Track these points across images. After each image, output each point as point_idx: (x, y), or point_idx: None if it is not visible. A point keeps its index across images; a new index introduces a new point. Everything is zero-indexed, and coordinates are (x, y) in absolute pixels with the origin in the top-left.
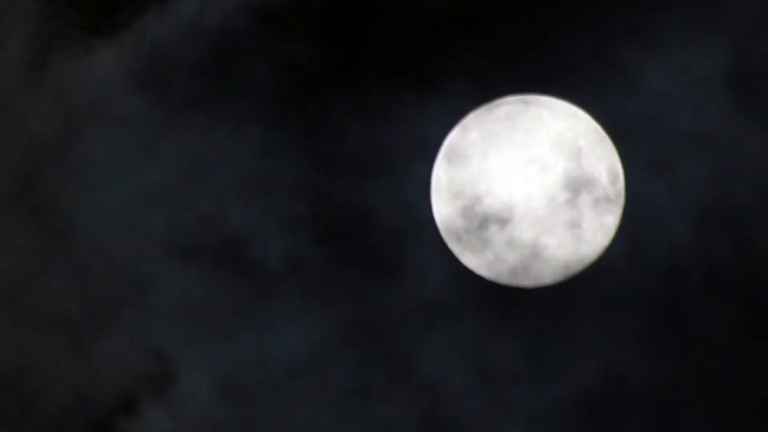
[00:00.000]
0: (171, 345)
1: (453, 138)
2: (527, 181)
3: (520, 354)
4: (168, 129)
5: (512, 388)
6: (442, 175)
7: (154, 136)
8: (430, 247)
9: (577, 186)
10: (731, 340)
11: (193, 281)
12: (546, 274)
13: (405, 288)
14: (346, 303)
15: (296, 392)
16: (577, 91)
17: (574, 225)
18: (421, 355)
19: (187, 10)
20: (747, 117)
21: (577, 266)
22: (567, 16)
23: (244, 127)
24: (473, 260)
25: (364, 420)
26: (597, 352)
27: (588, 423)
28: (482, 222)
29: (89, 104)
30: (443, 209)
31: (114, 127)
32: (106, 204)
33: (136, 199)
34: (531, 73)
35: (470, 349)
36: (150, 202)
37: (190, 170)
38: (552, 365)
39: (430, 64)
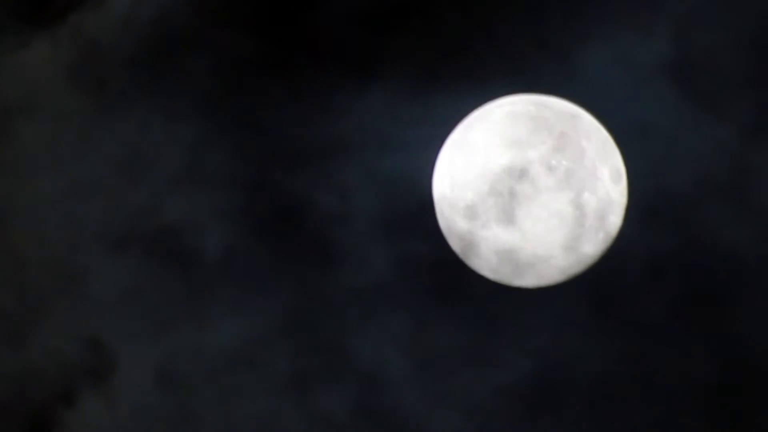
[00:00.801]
0: (108, 336)
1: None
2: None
3: (459, 343)
4: (103, 121)
5: (451, 377)
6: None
7: (89, 128)
8: (368, 234)
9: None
10: (670, 329)
11: (129, 272)
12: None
13: (343, 276)
14: (283, 292)
15: (234, 381)
16: (519, 77)
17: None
18: (359, 344)
19: (123, 3)
20: (689, 104)
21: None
22: (506, 3)
23: (180, 118)
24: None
25: (302, 408)
26: (537, 340)
27: (527, 412)
28: None
29: (24, 97)
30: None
31: (49, 120)
32: (41, 196)
33: (71, 191)
34: (470, 61)
35: (409, 337)
36: (86, 194)
37: (126, 162)
38: (491, 354)
39: (369, 52)
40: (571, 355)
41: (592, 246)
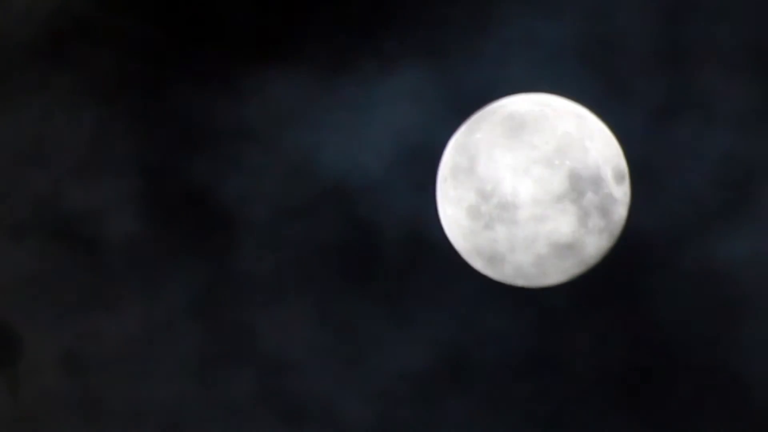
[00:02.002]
0: (13, 321)
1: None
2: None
3: (364, 327)
4: (4, 111)
5: (356, 360)
6: None
7: None
8: (272, 218)
9: None
10: (582, 311)
11: (33, 258)
12: None
13: (247, 260)
14: (188, 276)
15: (139, 366)
16: (427, 57)
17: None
18: (264, 328)
19: None
20: (597, 85)
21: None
22: None
23: (82, 107)
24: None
25: (208, 392)
26: (444, 324)
27: (433, 395)
28: None
29: None
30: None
31: None
32: None
33: None
34: (377, 44)
35: (314, 321)
36: None
37: (28, 151)
38: (396, 338)
39: (274, 37)
40: (479, 337)
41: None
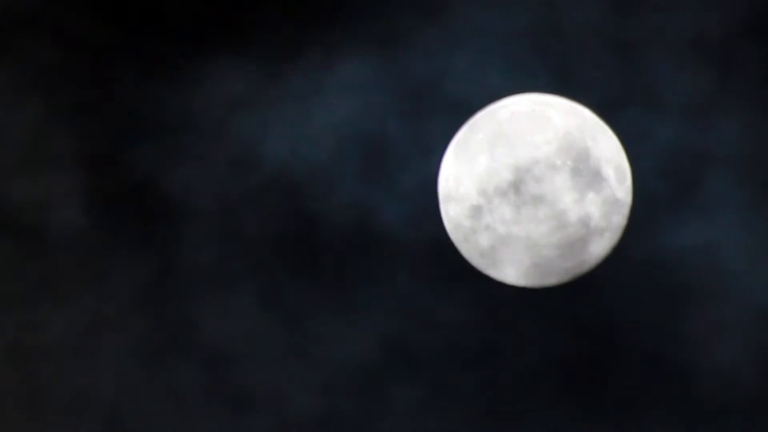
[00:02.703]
0: None
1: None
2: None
3: (309, 317)
4: None
5: (301, 352)
6: None
7: None
8: (215, 208)
9: None
10: (528, 303)
11: None
12: None
13: (191, 252)
14: (131, 268)
15: (83, 358)
16: (379, 47)
17: None
18: (207, 320)
19: None
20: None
21: None
22: None
23: (25, 99)
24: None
25: (151, 383)
26: (388, 313)
27: (378, 385)
28: None
29: None
30: None
31: None
32: None
33: None
34: (333, 30)
35: (257, 312)
36: None
37: None
38: (342, 329)
39: (221, 27)
40: (426, 327)
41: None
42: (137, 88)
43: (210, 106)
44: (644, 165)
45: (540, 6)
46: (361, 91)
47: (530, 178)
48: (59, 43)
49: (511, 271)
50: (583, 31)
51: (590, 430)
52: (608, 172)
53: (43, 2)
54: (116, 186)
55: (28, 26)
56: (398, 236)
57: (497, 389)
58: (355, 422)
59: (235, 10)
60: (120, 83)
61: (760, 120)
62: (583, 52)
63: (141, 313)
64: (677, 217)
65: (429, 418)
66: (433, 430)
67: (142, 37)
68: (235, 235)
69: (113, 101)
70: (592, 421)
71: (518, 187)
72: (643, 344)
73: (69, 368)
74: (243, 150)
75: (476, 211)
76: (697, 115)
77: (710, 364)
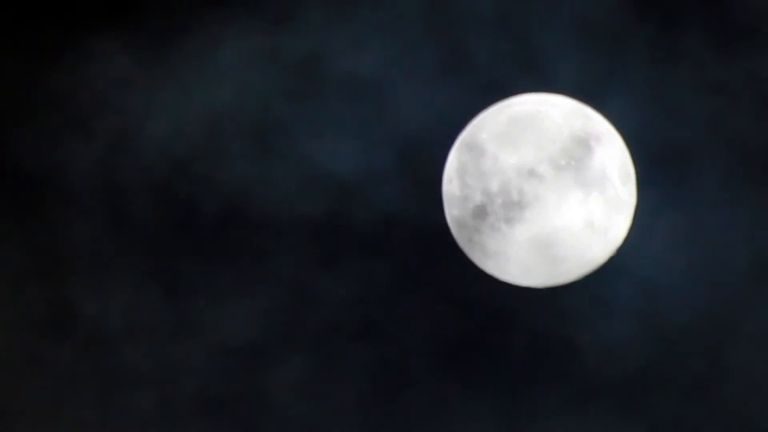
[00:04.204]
0: None
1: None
2: None
3: (177, 304)
4: None
5: (171, 338)
6: None
7: None
8: (87, 192)
9: None
10: (411, 278)
11: None
12: None
13: (66, 234)
14: (5, 251)
15: None
16: (259, 25)
17: None
18: (85, 302)
19: None
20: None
21: None
22: None
23: None
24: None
25: (29, 366)
26: (270, 297)
27: (261, 367)
28: None
29: None
30: None
31: None
32: None
33: None
34: (217, 12)
35: (129, 298)
36: None
37: None
38: (212, 315)
39: (103, 6)
40: (311, 303)
41: None
42: (12, 68)
43: (89, 86)
44: (530, 145)
45: None
46: (243, 72)
47: (534, 178)
48: None
49: (516, 271)
50: (473, 10)
51: (474, 404)
52: (612, 172)
53: None
54: (21, 179)
55: None
56: (280, 215)
57: (382, 365)
58: (239, 401)
59: None
60: (24, 75)
61: (648, 98)
62: (471, 30)
63: (17, 293)
64: (560, 194)
65: (311, 394)
66: (318, 407)
67: (24, 16)
68: (115, 214)
69: (22, 94)
70: (477, 396)
71: (522, 187)
72: (529, 320)
73: None
74: (121, 132)
75: (480, 211)
76: (584, 93)
77: (595, 339)
